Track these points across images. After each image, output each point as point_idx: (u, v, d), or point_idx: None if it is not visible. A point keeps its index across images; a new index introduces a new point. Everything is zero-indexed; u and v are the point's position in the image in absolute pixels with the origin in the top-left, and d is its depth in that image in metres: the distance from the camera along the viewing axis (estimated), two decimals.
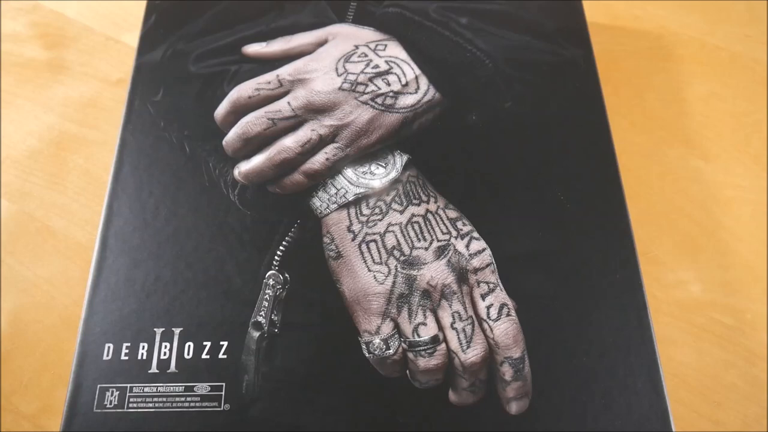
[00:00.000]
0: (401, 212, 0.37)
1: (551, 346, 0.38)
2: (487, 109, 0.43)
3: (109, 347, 0.38)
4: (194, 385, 0.37)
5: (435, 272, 0.36)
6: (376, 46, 0.41)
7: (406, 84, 0.39)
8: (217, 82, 0.44)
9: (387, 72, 0.39)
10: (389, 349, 0.35)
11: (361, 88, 0.39)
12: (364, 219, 0.37)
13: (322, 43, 0.43)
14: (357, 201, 0.38)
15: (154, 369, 0.37)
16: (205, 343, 0.38)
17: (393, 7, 0.44)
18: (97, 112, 0.58)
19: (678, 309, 0.48)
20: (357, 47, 0.41)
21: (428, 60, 0.40)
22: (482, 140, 0.43)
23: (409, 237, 0.37)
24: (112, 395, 0.36)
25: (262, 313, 0.38)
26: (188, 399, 0.37)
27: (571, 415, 0.36)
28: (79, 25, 0.64)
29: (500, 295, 0.36)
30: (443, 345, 0.35)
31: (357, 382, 0.37)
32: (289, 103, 0.39)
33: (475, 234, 0.37)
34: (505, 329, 0.35)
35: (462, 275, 0.36)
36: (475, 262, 0.36)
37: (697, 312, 0.48)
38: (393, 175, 0.38)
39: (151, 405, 0.36)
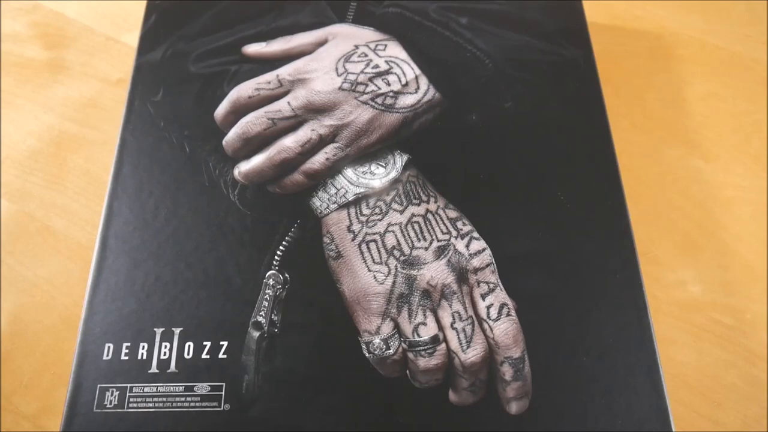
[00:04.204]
0: (401, 212, 0.37)
1: (551, 346, 0.38)
2: (487, 109, 0.43)
3: (109, 347, 0.38)
4: (194, 385, 0.37)
5: (435, 272, 0.36)
6: (376, 46, 0.41)
7: (406, 84, 0.39)
8: (217, 82, 0.44)
9: (387, 72, 0.39)
10: (389, 349, 0.35)
11: (361, 88, 0.39)
12: (364, 219, 0.37)
13: (322, 43, 0.43)
14: (357, 201, 0.38)
15: (154, 369, 0.37)
16: (205, 343, 0.38)
17: (393, 7, 0.44)
18: (97, 112, 0.58)
19: (678, 309, 0.48)
20: (357, 47, 0.41)
21: (428, 60, 0.40)
22: (482, 140, 0.43)
23: (409, 237, 0.37)
24: (112, 395, 0.36)
25: (262, 313, 0.38)
26: (188, 399, 0.37)
27: (571, 415, 0.36)
28: (79, 25, 0.64)
29: (500, 295, 0.36)
30: (443, 345, 0.35)
31: (357, 382, 0.37)
32: (289, 103, 0.39)
33: (475, 234, 0.37)
34: (505, 329, 0.35)
35: (462, 275, 0.36)
36: (475, 262, 0.36)
37: (697, 312, 0.48)
38: (393, 175, 0.38)
39: (151, 405, 0.36)
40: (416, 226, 0.37)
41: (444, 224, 0.38)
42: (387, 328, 0.35)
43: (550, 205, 0.42)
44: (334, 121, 0.38)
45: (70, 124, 0.57)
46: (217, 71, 0.45)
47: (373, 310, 0.36)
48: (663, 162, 0.55)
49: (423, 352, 0.35)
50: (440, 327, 0.35)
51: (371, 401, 0.37)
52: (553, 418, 0.36)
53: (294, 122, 0.39)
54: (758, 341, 0.47)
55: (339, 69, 0.40)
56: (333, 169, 0.39)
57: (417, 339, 0.35)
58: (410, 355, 0.35)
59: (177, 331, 0.38)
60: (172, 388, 0.37)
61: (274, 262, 0.40)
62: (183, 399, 0.37)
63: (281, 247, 0.40)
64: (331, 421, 0.36)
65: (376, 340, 0.35)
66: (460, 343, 0.35)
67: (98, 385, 0.37)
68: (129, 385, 0.37)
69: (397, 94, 0.39)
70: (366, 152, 0.39)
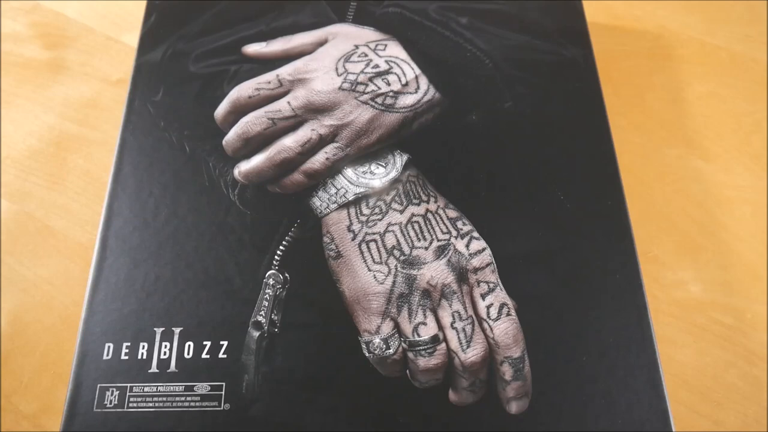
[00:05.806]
0: (401, 212, 0.37)
1: (551, 346, 0.38)
2: (487, 109, 0.43)
3: (109, 347, 0.38)
4: (194, 385, 0.37)
5: (435, 272, 0.36)
6: (376, 45, 0.41)
7: (406, 84, 0.39)
8: (217, 82, 0.44)
9: (387, 72, 0.39)
10: (389, 349, 0.35)
11: (361, 88, 0.39)
12: (364, 219, 0.37)
13: (322, 43, 0.43)
14: (357, 201, 0.38)
15: (154, 369, 0.37)
16: (205, 342, 0.38)
17: (393, 7, 0.44)
18: (97, 112, 0.58)
19: (678, 309, 0.48)
20: (357, 47, 0.41)
21: (428, 60, 0.40)
22: (482, 140, 0.43)
23: (409, 236, 0.37)
24: (112, 395, 0.36)
25: (262, 312, 0.38)
26: (188, 399, 0.37)
27: (571, 415, 0.36)
28: (79, 25, 0.64)
29: (500, 295, 0.36)
30: (443, 344, 0.35)
31: (357, 382, 0.37)
32: (289, 102, 0.39)
33: (475, 233, 0.37)
34: (505, 329, 0.35)
35: (462, 275, 0.36)
36: (475, 262, 0.36)
37: (697, 312, 0.48)
38: (393, 174, 0.38)
39: (151, 405, 0.36)
40: (416, 226, 0.37)
41: (444, 224, 0.38)
42: (387, 327, 0.35)
43: (550, 205, 0.42)
44: (334, 121, 0.38)
45: (70, 124, 0.57)
46: (217, 71, 0.45)
47: (373, 309, 0.36)
48: (663, 162, 0.55)
49: (423, 352, 0.35)
50: (440, 327, 0.35)
51: (371, 401, 0.37)
52: (553, 418, 0.36)
53: (294, 122, 0.39)
54: (758, 341, 0.47)
55: (339, 69, 0.40)
56: (333, 169, 0.39)
57: (417, 339, 0.35)
58: (410, 354, 0.35)
59: (177, 330, 0.38)
60: (172, 387, 0.37)
61: (274, 262, 0.40)
62: (183, 399, 0.37)
63: (281, 247, 0.40)
64: (331, 421, 0.36)
65: (376, 340, 0.35)
66: (460, 343, 0.35)
67: (98, 385, 0.37)
68: (129, 384, 0.37)
69: (397, 94, 0.39)
70: (366, 152, 0.39)
